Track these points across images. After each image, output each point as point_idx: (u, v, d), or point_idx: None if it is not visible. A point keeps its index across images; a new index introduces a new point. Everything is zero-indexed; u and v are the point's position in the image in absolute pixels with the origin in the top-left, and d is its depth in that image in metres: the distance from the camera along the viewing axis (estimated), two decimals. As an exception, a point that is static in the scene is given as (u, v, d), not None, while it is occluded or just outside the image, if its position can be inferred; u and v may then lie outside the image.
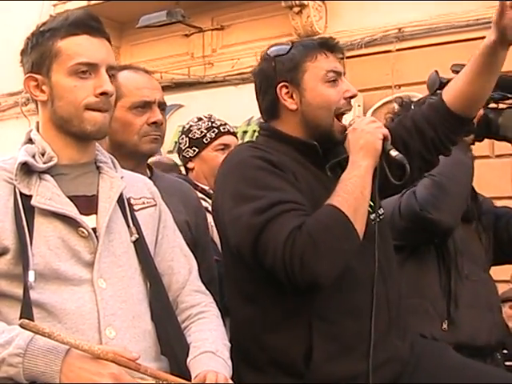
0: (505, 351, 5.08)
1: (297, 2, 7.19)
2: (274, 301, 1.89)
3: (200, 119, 2.91)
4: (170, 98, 8.09)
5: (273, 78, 2.02)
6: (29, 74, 1.70)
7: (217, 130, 2.85)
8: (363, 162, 1.87)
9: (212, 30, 8.15)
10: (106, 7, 8.05)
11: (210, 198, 2.72)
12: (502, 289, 5.92)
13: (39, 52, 1.69)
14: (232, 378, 1.69)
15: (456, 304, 2.39)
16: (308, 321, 1.85)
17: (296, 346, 1.85)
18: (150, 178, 2.11)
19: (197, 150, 2.85)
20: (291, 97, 2.01)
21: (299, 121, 2.02)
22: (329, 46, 2.05)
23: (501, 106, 2.32)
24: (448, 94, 2.03)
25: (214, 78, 8.02)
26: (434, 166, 2.16)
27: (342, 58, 2.08)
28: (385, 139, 1.94)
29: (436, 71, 2.34)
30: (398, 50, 6.81)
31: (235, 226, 1.84)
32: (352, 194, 1.81)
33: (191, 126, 2.89)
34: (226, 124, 2.93)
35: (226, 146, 2.85)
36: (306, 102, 2.00)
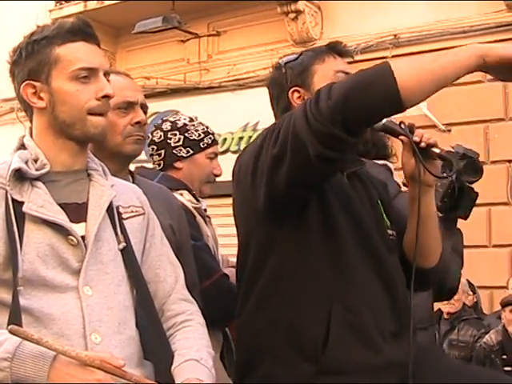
0: (504, 356, 5.12)
1: (292, 8, 7.22)
2: (296, 279, 1.89)
3: (192, 119, 2.83)
4: (166, 104, 8.11)
5: (284, 84, 2.06)
6: (27, 82, 1.70)
7: (213, 137, 2.80)
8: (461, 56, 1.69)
9: (208, 35, 8.17)
10: (102, 13, 8.07)
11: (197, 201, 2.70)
12: (498, 295, 5.93)
13: (36, 60, 1.70)
14: (240, 370, 1.72)
15: None
16: (329, 305, 1.85)
17: (316, 329, 1.84)
18: (132, 183, 2.11)
19: (191, 151, 2.75)
20: (303, 100, 2.02)
21: None
22: (337, 49, 2.09)
23: None
24: None
25: (209, 83, 8.03)
26: None
27: (351, 62, 2.11)
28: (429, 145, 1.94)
29: None
30: (393, 56, 6.83)
31: (261, 155, 1.82)
32: (424, 62, 1.69)
33: (186, 124, 2.78)
34: (214, 133, 2.90)
35: (216, 155, 2.82)
36: None
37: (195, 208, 2.62)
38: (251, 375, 1.84)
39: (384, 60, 1.72)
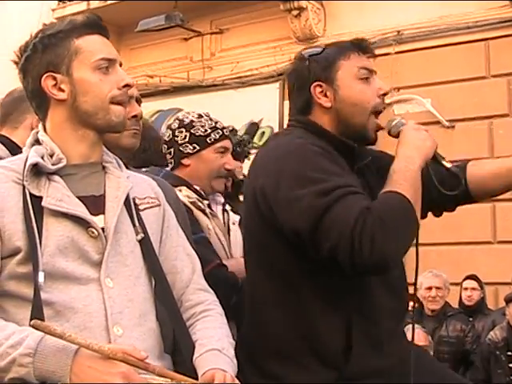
0: (509, 353, 5.11)
1: (295, 6, 7.21)
2: (314, 290, 1.91)
3: (201, 116, 2.83)
4: (169, 102, 8.12)
5: (307, 77, 2.06)
6: (47, 74, 1.71)
7: (221, 132, 2.79)
8: (418, 161, 1.91)
9: (211, 33, 8.17)
10: (104, 11, 8.06)
11: (203, 199, 2.69)
12: (503, 291, 5.92)
13: (55, 52, 1.71)
14: (242, 373, 1.71)
15: None
16: (347, 315, 1.89)
17: (336, 337, 1.88)
18: None
19: (198, 147, 2.74)
20: (325, 95, 2.05)
21: (332, 118, 2.05)
22: (361, 46, 2.10)
23: None
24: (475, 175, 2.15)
25: (213, 81, 8.03)
26: None
27: (374, 57, 2.14)
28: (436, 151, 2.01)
29: None
30: (397, 52, 6.82)
31: (294, 208, 1.83)
32: (413, 185, 1.85)
33: (193, 121, 2.79)
34: (226, 127, 2.90)
35: (227, 149, 2.80)
36: (340, 99, 2.03)
37: (192, 203, 2.62)
38: (253, 372, 1.85)
39: (397, 192, 1.84)
